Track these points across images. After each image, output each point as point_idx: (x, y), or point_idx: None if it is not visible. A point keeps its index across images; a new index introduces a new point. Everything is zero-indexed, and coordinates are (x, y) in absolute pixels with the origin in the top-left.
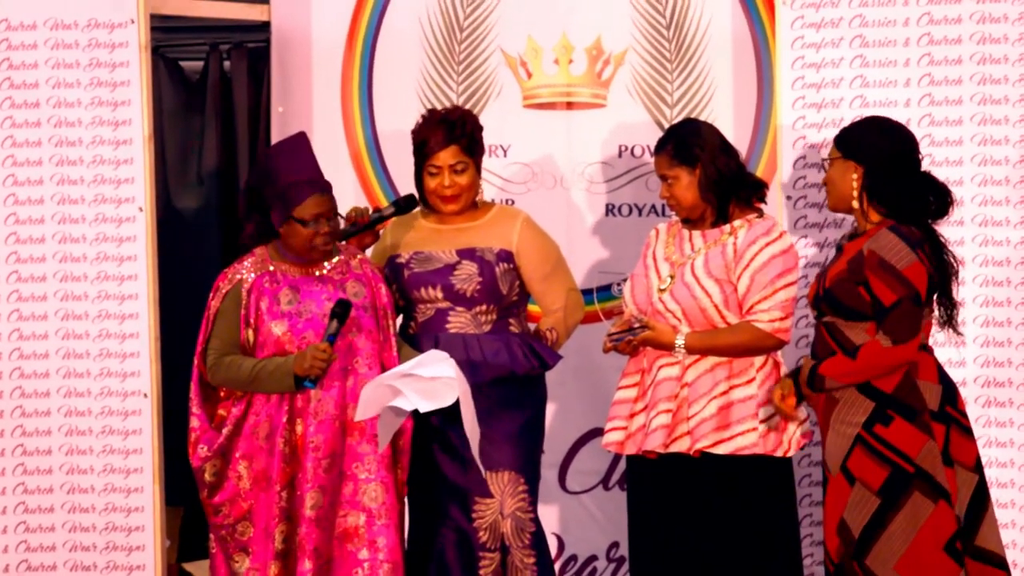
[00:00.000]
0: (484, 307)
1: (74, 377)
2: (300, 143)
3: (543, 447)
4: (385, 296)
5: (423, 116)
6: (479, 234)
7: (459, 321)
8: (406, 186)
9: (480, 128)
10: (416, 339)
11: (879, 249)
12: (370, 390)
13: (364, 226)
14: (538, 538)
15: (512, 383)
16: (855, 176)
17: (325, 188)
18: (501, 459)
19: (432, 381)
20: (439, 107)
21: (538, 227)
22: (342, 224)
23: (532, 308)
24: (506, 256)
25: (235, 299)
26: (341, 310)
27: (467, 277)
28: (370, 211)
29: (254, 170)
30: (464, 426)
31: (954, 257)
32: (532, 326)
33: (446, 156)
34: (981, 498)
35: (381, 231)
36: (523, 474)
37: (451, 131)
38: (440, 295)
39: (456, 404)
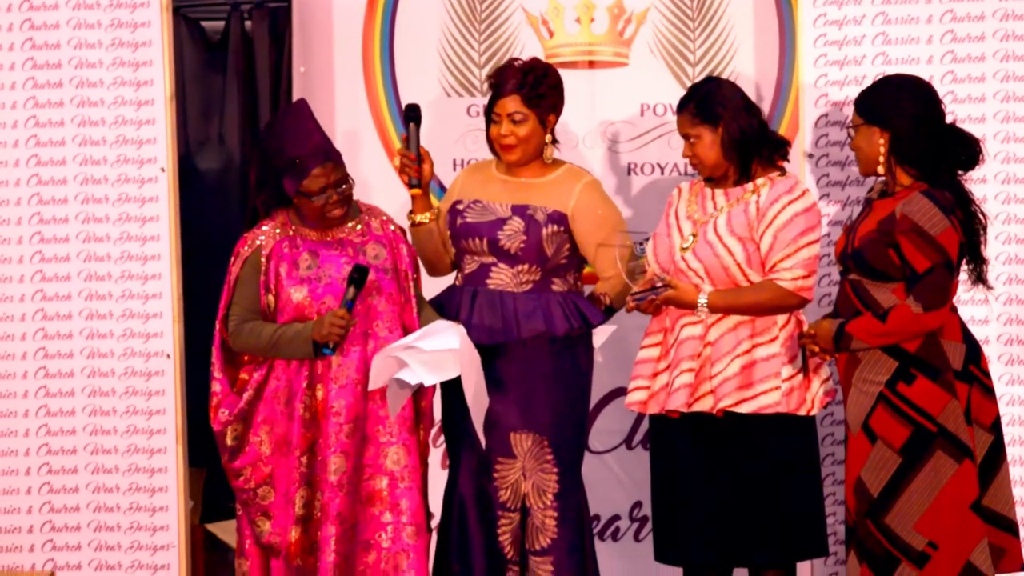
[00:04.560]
0: (526, 266)
1: (97, 338)
2: (300, 112)
3: (586, 411)
4: (406, 258)
5: (506, 61)
6: (539, 192)
7: (500, 278)
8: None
9: (554, 86)
10: (457, 291)
11: (912, 214)
12: (379, 361)
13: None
14: (563, 499)
15: (550, 344)
16: (881, 142)
17: (330, 156)
18: (526, 421)
19: (436, 353)
20: (461, 66)
21: (599, 192)
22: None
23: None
24: (558, 218)
25: (254, 265)
26: (358, 276)
27: (513, 234)
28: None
29: (259, 143)
30: (465, 396)
31: (983, 213)
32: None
33: (507, 104)
34: (994, 459)
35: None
36: (548, 436)
37: (517, 80)
38: (485, 248)
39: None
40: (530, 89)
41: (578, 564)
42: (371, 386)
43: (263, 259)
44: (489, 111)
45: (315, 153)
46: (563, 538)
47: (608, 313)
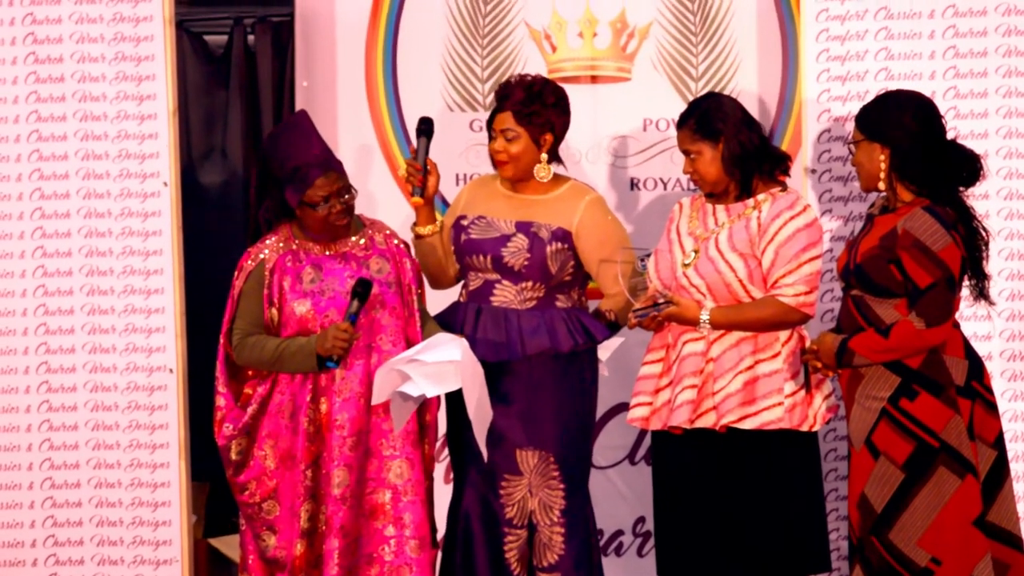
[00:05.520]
0: (530, 283)
1: (100, 352)
2: (301, 123)
3: (591, 426)
4: (410, 272)
5: (515, 76)
6: (543, 209)
7: (503, 295)
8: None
9: (553, 105)
10: (462, 308)
11: (914, 229)
12: (382, 374)
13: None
14: (570, 515)
15: (555, 360)
16: (882, 158)
17: (332, 165)
18: (532, 438)
19: (438, 366)
20: (464, 80)
21: (604, 209)
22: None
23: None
24: (562, 235)
25: (258, 279)
26: (362, 289)
27: (516, 251)
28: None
29: (261, 154)
30: (468, 411)
31: (985, 229)
32: (593, 303)
33: (501, 119)
34: (998, 474)
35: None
36: (554, 453)
37: (513, 97)
38: (489, 265)
39: (484, 381)
40: (522, 107)
41: None
42: (374, 400)
43: (266, 273)
44: (490, 124)
45: (317, 163)
46: (570, 554)
47: (613, 328)
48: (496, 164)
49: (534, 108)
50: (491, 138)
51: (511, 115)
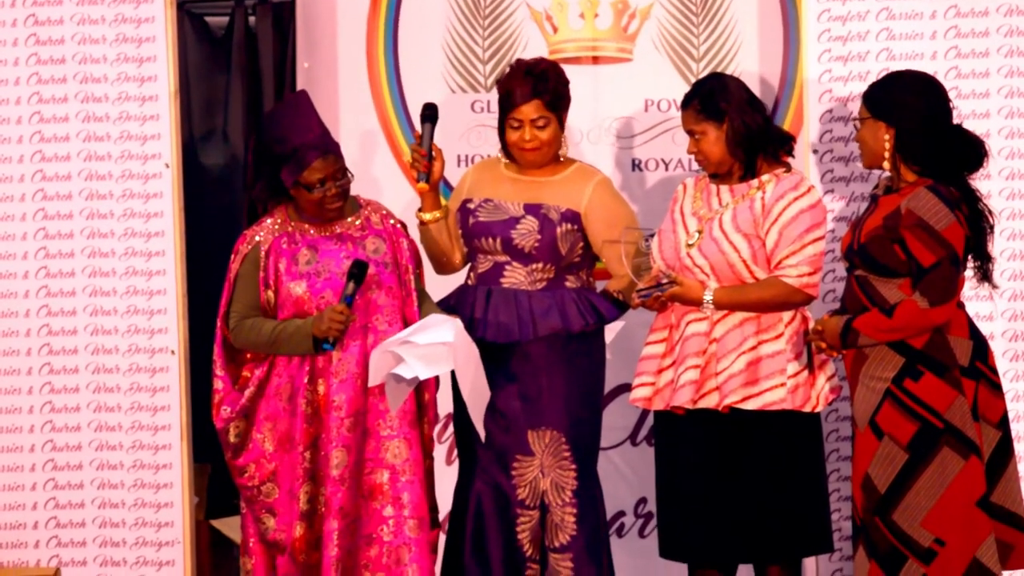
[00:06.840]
0: (540, 265)
1: (102, 334)
2: (300, 103)
3: (600, 406)
4: (406, 252)
5: (510, 67)
6: (551, 190)
7: (514, 277)
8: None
9: (565, 82)
10: (471, 290)
11: (917, 209)
12: (376, 356)
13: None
14: (583, 496)
15: (566, 341)
16: (887, 137)
17: (330, 148)
18: (544, 418)
19: (430, 347)
20: (465, 62)
21: (612, 191)
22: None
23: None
24: (572, 216)
25: (253, 262)
26: (358, 271)
27: (527, 233)
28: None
29: (258, 132)
30: (462, 391)
31: (990, 211)
32: (600, 283)
33: (528, 110)
34: (1002, 455)
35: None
36: (566, 433)
37: (535, 85)
38: (499, 247)
39: (492, 360)
40: (552, 94)
41: (597, 559)
42: (370, 382)
43: (262, 255)
44: (504, 117)
45: (316, 145)
46: (582, 534)
47: (622, 308)
48: (522, 153)
49: (561, 91)
50: (511, 129)
51: (541, 104)
